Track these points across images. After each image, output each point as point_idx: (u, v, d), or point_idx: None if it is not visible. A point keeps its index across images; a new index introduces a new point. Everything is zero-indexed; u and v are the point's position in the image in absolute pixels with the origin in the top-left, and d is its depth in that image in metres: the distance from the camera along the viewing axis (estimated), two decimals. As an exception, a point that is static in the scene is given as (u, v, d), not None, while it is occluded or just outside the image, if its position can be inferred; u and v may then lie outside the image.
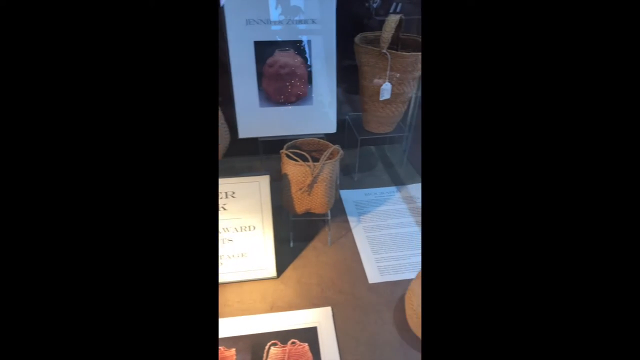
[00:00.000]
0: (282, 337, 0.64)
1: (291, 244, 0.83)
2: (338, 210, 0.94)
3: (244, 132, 0.92)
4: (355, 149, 1.02)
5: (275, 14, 0.84)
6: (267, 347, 0.62)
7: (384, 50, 0.81)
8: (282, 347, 0.62)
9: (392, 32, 0.79)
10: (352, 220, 0.91)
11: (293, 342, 0.63)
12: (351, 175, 1.07)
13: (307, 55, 0.88)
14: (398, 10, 1.08)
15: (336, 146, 0.77)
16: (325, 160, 0.73)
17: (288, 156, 0.73)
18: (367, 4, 1.01)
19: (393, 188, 1.02)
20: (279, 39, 0.85)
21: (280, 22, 0.84)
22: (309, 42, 0.87)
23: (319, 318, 0.67)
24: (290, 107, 0.92)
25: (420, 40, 0.92)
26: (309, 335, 0.65)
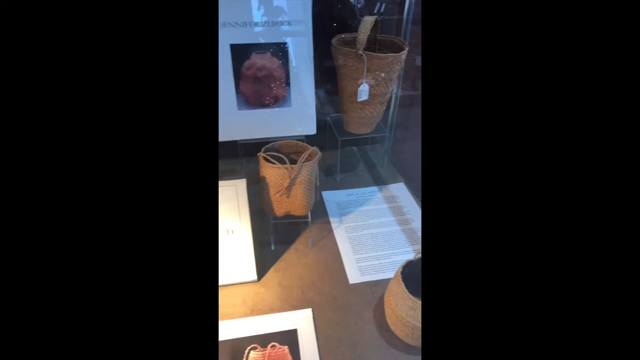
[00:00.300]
0: (262, 340, 0.64)
1: (272, 247, 0.82)
2: (320, 211, 0.94)
3: (222, 136, 0.92)
4: (337, 150, 1.02)
5: (251, 16, 0.83)
6: (246, 351, 0.62)
7: (360, 52, 0.81)
8: (261, 351, 0.62)
9: (368, 33, 0.80)
10: (334, 221, 0.91)
11: (273, 346, 0.63)
12: (333, 176, 1.07)
13: (285, 57, 0.88)
14: (382, 10, 1.08)
15: (314, 148, 0.77)
16: (303, 162, 0.73)
17: (265, 159, 0.73)
18: (351, 6, 1.01)
19: (375, 188, 1.03)
20: (255, 42, 0.85)
21: (256, 25, 0.84)
22: (286, 44, 0.87)
23: (300, 320, 0.67)
24: (269, 110, 0.92)
25: (397, 41, 0.93)
26: (290, 338, 0.64)
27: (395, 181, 1.06)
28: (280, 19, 0.85)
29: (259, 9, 0.83)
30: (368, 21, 0.80)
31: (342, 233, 0.88)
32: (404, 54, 0.86)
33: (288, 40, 0.87)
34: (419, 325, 0.59)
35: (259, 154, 0.74)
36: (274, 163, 0.72)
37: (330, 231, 0.88)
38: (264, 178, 0.74)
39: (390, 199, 0.99)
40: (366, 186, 1.04)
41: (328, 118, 1.05)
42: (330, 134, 1.03)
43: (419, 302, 0.58)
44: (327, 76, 1.02)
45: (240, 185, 0.68)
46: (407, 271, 0.65)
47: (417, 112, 1.27)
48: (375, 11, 1.08)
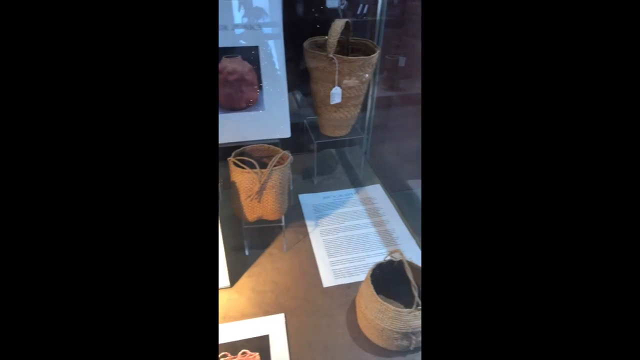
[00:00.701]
0: (234, 348, 0.63)
1: (246, 252, 0.82)
2: (296, 214, 0.93)
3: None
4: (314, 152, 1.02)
5: (221, 20, 0.83)
6: None
7: (331, 55, 0.81)
8: (232, 359, 0.62)
9: (338, 36, 0.80)
10: (310, 225, 0.91)
11: (244, 353, 0.62)
12: (311, 179, 1.07)
13: (257, 61, 0.88)
14: (365, 12, 1.09)
15: (285, 151, 0.77)
16: (274, 166, 0.72)
17: (235, 164, 0.72)
18: (335, 7, 1.01)
19: (352, 190, 1.03)
20: (226, 45, 0.85)
21: (225, 28, 0.83)
22: (257, 47, 0.86)
23: (272, 326, 0.67)
24: (242, 113, 0.91)
25: (369, 44, 0.93)
26: (261, 344, 0.64)
27: (372, 183, 1.06)
28: (251, 22, 0.84)
29: (227, 13, 0.83)
30: (337, 24, 0.80)
31: (317, 236, 0.87)
32: (374, 57, 0.86)
33: (260, 43, 0.87)
34: (388, 327, 0.59)
35: (228, 158, 0.74)
36: (243, 167, 0.71)
37: (306, 235, 0.88)
38: (234, 183, 0.74)
39: (366, 201, 0.99)
40: (343, 188, 1.04)
41: (305, 120, 1.05)
42: (307, 136, 1.03)
43: (387, 305, 0.58)
44: (304, 79, 1.01)
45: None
46: (377, 273, 0.65)
47: (394, 113, 1.28)
48: (358, 12, 1.09)
